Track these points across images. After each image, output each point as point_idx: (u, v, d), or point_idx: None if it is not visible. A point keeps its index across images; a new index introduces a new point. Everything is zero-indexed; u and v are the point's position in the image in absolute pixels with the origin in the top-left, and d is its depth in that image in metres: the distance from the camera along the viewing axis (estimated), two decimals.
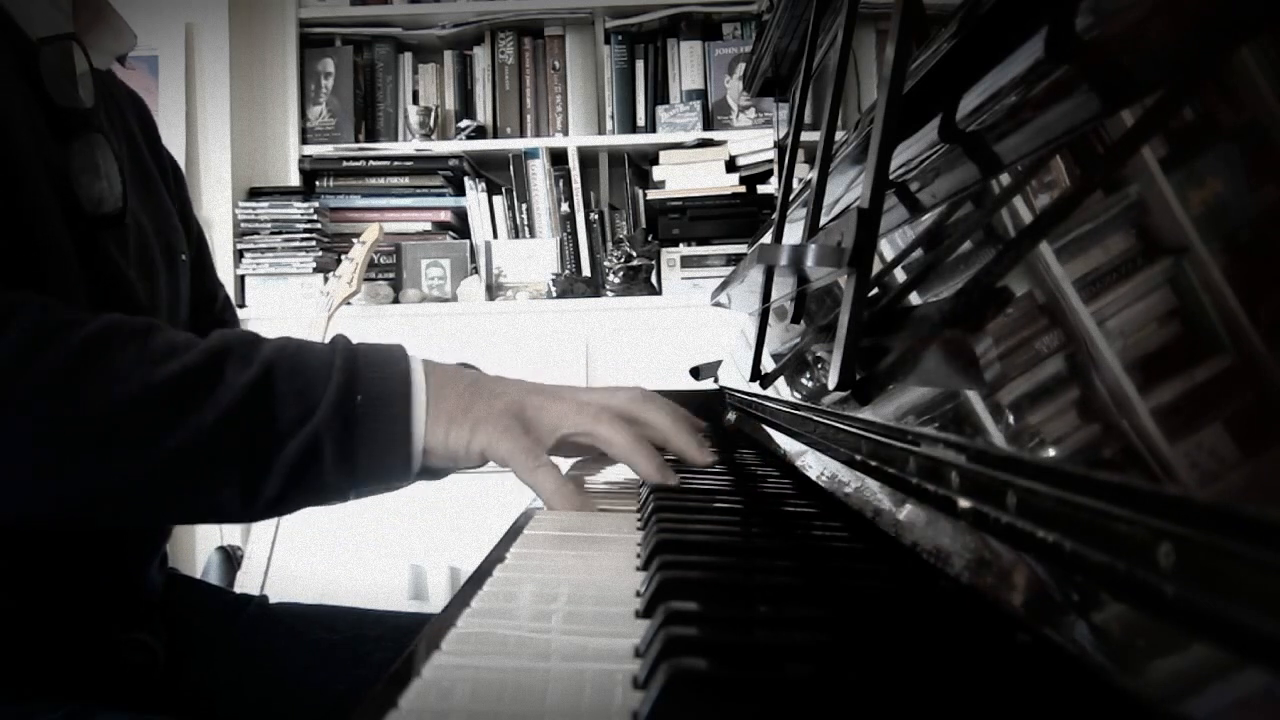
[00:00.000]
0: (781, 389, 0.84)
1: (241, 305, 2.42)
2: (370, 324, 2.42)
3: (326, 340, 0.62)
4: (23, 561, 0.64)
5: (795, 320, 0.85)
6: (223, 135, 2.48)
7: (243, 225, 2.44)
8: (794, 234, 0.89)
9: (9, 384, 0.51)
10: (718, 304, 1.50)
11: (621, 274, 2.43)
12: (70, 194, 0.68)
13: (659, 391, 0.70)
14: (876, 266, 0.61)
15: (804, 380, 0.75)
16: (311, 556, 2.32)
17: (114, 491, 0.54)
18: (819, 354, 0.73)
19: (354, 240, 2.24)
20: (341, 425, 0.56)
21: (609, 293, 2.45)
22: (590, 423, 0.62)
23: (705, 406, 1.26)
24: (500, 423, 0.60)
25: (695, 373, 1.58)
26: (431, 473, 0.63)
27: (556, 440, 0.62)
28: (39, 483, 0.53)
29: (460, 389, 0.60)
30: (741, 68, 2.52)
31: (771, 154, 2.44)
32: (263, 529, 1.98)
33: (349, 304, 2.21)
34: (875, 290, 0.63)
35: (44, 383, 0.52)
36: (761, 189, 2.45)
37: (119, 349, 0.54)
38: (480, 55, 2.65)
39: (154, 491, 0.55)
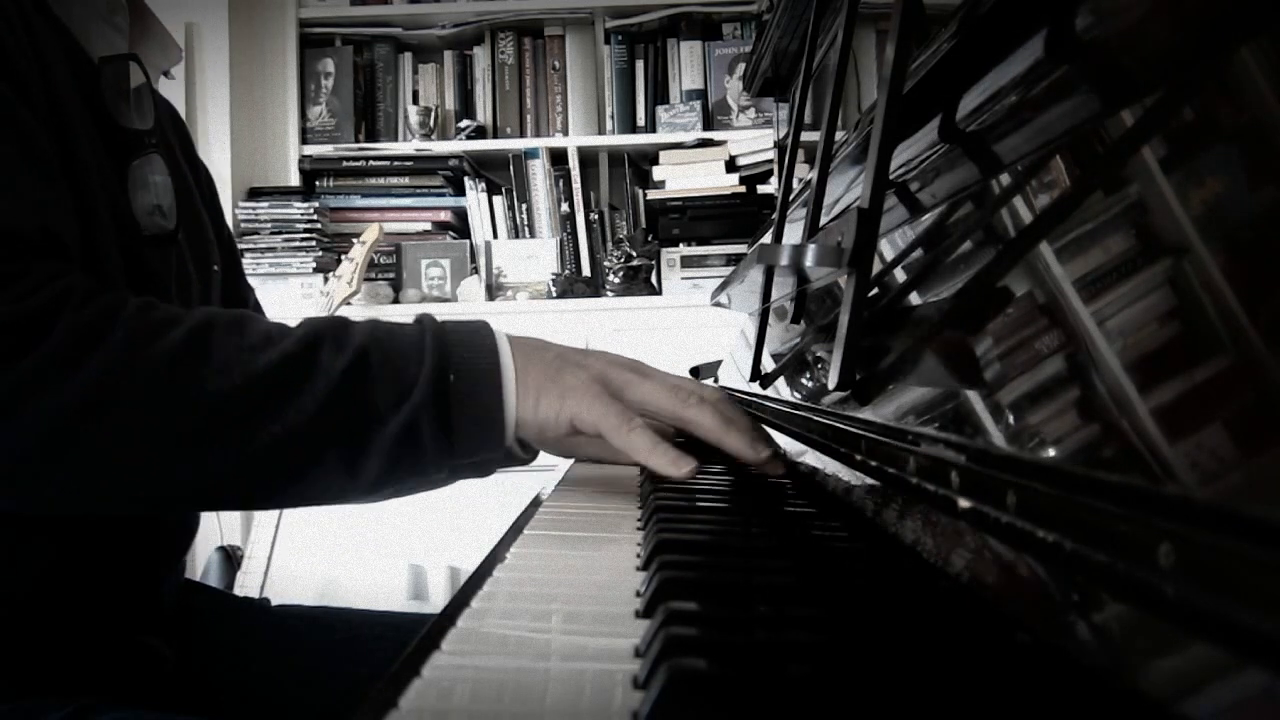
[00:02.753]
0: (781, 389, 0.84)
1: None
2: None
3: None
4: (47, 568, 0.65)
5: (795, 320, 0.85)
6: (223, 135, 2.48)
7: (243, 225, 2.44)
8: (794, 234, 0.89)
9: (117, 381, 0.52)
10: (718, 304, 1.49)
11: (621, 274, 2.43)
12: (127, 215, 0.69)
13: None
14: (876, 266, 0.61)
15: (804, 380, 0.75)
16: (311, 557, 2.32)
17: (221, 479, 0.56)
18: (819, 354, 0.73)
19: (354, 240, 2.24)
20: (437, 404, 0.57)
21: (609, 293, 2.45)
22: (679, 405, 0.63)
23: None
24: (590, 390, 0.61)
25: (695, 373, 1.58)
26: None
27: (641, 414, 0.63)
28: (148, 474, 0.54)
29: (547, 359, 0.62)
30: (741, 68, 2.52)
31: (771, 154, 2.44)
32: (263, 529, 1.98)
33: (349, 304, 2.21)
34: (875, 290, 0.63)
35: (152, 379, 0.53)
36: (761, 189, 2.45)
37: (218, 341, 0.55)
38: (480, 55, 2.65)
39: (259, 477, 0.56)
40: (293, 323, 0.60)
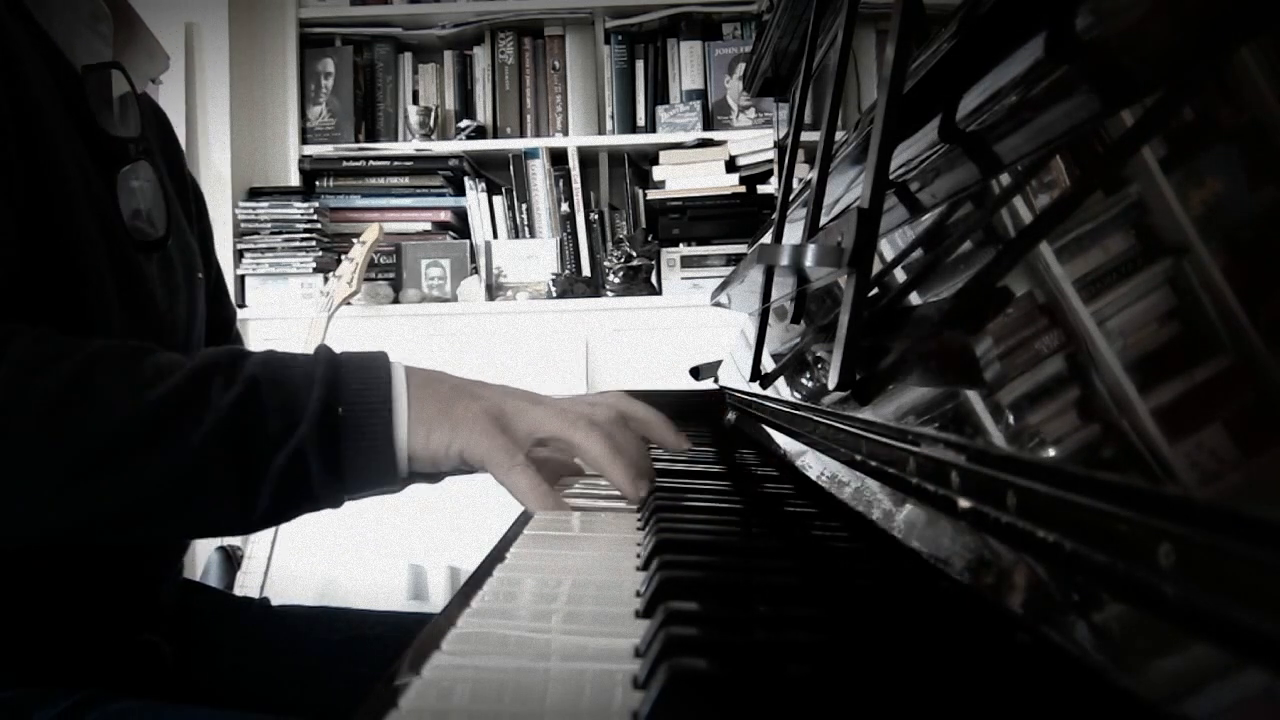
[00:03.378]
0: (781, 389, 0.84)
1: (241, 305, 2.42)
2: (370, 324, 2.42)
3: (326, 341, 0.62)
4: (48, 568, 0.66)
5: (795, 320, 0.85)
6: (223, 135, 2.48)
7: (243, 225, 2.44)
8: (794, 234, 0.89)
9: (2, 416, 0.52)
10: (718, 304, 1.49)
11: (621, 274, 2.43)
12: (116, 222, 0.69)
13: (658, 392, 0.71)
14: (876, 266, 0.61)
15: (804, 380, 0.75)
16: (311, 557, 2.32)
17: (111, 513, 0.55)
18: (819, 354, 0.73)
19: (354, 240, 2.24)
20: (324, 437, 0.57)
21: (609, 293, 2.45)
22: (568, 429, 0.62)
23: (705, 406, 1.26)
24: (479, 424, 0.60)
25: (695, 373, 1.58)
26: (427, 476, 0.63)
27: (533, 443, 0.63)
28: (38, 509, 0.54)
29: (441, 392, 0.61)
30: (741, 68, 2.52)
31: (771, 154, 2.44)
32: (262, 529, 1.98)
33: (349, 304, 2.21)
34: (875, 290, 0.63)
35: (36, 413, 0.53)
36: (761, 189, 2.45)
37: (107, 375, 0.55)
38: (480, 55, 2.65)
39: (151, 511, 0.56)
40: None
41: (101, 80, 0.70)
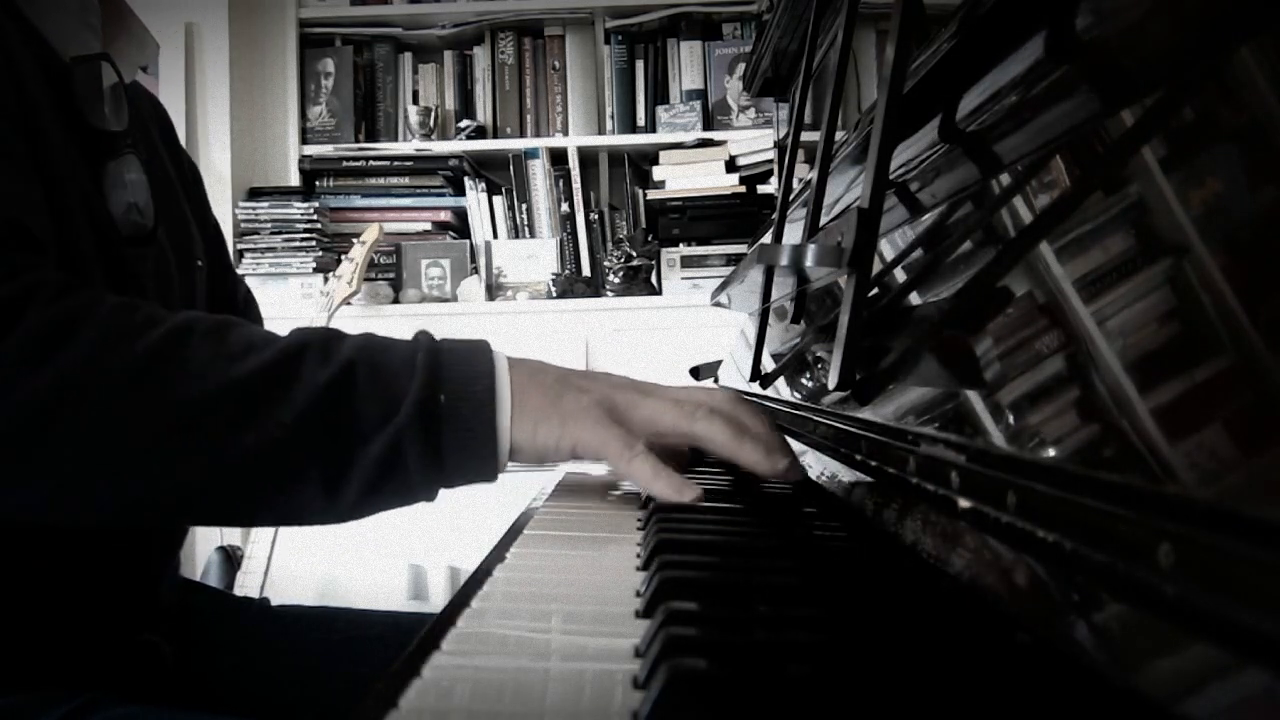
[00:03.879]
0: (781, 389, 0.84)
1: None
2: (370, 324, 2.41)
3: None
4: (48, 567, 0.65)
5: (795, 320, 0.85)
6: (223, 135, 2.48)
7: (243, 225, 2.44)
8: (794, 234, 0.89)
9: (84, 384, 0.50)
10: (718, 304, 1.50)
11: (621, 274, 2.43)
12: (104, 217, 0.68)
13: None
14: (876, 266, 0.61)
15: (804, 380, 0.75)
16: (311, 557, 2.32)
17: (191, 491, 0.53)
18: (819, 354, 0.73)
19: (354, 240, 2.24)
20: (425, 426, 0.54)
21: (609, 293, 2.45)
22: (687, 421, 0.60)
23: None
24: (591, 415, 0.58)
25: (695, 373, 1.59)
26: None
27: (650, 435, 0.60)
28: (116, 483, 0.52)
29: (547, 383, 0.59)
30: (741, 68, 2.52)
31: (771, 154, 2.44)
32: (263, 529, 1.98)
33: (349, 304, 2.21)
34: (875, 290, 0.63)
35: (119, 382, 0.51)
36: (761, 189, 2.45)
37: (194, 346, 0.53)
38: (480, 55, 2.65)
39: (232, 491, 0.54)
40: (292, 323, 0.58)
41: (91, 72, 0.69)
